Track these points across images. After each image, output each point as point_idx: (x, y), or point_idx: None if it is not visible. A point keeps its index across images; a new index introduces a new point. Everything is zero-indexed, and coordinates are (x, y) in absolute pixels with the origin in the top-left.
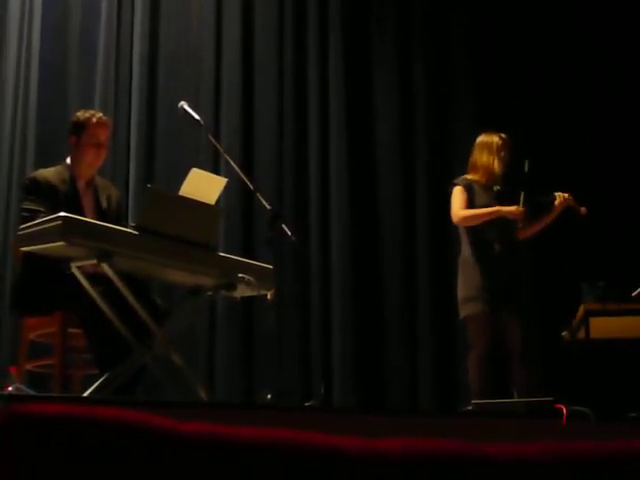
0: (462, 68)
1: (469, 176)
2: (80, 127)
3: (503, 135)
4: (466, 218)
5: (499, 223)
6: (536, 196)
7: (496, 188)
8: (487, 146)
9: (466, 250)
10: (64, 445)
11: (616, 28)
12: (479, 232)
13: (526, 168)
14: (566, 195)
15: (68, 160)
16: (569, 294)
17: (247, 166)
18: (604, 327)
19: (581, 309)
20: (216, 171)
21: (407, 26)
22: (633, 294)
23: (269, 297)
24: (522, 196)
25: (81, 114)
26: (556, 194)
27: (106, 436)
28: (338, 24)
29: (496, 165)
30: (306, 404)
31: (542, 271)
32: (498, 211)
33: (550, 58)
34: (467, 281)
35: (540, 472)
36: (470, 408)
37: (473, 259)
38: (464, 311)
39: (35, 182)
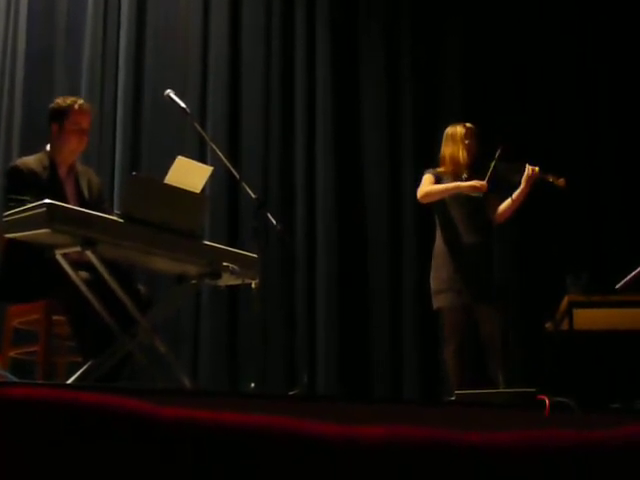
0: (450, 62)
1: (439, 169)
2: (61, 114)
3: (468, 124)
4: (427, 193)
5: (470, 212)
6: (505, 173)
7: (464, 177)
8: (452, 137)
9: (438, 241)
10: (46, 429)
11: (605, 18)
12: (449, 221)
13: (497, 154)
14: (534, 168)
15: (48, 147)
16: (553, 285)
17: (233, 155)
18: (588, 319)
19: (565, 300)
20: (202, 159)
21: (396, 19)
22: (617, 286)
23: (254, 286)
24: (489, 170)
25: (62, 100)
26: (526, 167)
27: (87, 420)
28: (326, 15)
29: (461, 154)
30: (290, 393)
31: (526, 262)
32: (457, 186)
33: (538, 52)
34: (438, 272)
35: (522, 459)
36: (453, 399)
37: (444, 250)
38: (436, 303)
39: (18, 170)
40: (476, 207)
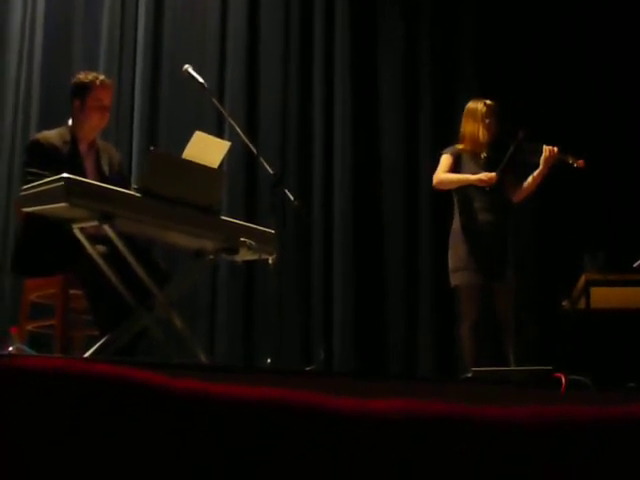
0: (465, 43)
1: (459, 146)
2: (83, 90)
3: (488, 102)
4: (440, 181)
5: (487, 192)
6: (524, 155)
7: (483, 155)
8: (472, 114)
9: (456, 220)
10: (61, 399)
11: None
12: (467, 201)
13: (520, 137)
14: (553, 148)
15: (70, 122)
16: (570, 264)
17: (251, 130)
18: (605, 297)
19: (582, 279)
20: (220, 135)
21: (414, 3)
22: (634, 265)
23: (271, 262)
24: (507, 155)
25: (83, 76)
26: (545, 148)
27: (101, 391)
28: None
29: (481, 133)
30: (306, 368)
31: (544, 241)
32: (467, 179)
33: (550, 32)
34: (455, 251)
35: (537, 434)
36: (469, 375)
37: (461, 229)
38: (453, 281)
39: (38, 144)
40: (493, 187)
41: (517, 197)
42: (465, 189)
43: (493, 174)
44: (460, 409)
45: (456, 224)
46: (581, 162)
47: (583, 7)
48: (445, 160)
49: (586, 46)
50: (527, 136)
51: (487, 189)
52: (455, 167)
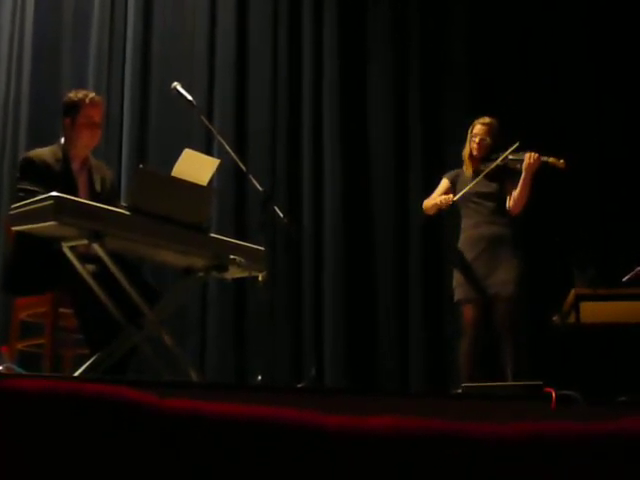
0: (456, 37)
1: (461, 169)
2: (73, 108)
3: (483, 119)
4: (424, 208)
5: (486, 206)
6: (511, 163)
7: (481, 169)
8: (468, 135)
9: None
10: (51, 419)
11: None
12: (464, 219)
13: (511, 149)
14: (534, 155)
15: (62, 140)
16: (560, 278)
17: (240, 148)
18: (595, 312)
19: (572, 293)
20: (209, 152)
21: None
22: (624, 279)
23: (260, 279)
24: (491, 165)
25: (73, 95)
26: (525, 155)
27: (90, 411)
28: (334, 2)
29: (467, 151)
30: (297, 385)
31: (533, 255)
32: (434, 205)
33: (544, 28)
34: (455, 267)
35: (527, 452)
36: (460, 391)
37: (460, 245)
38: (455, 296)
39: (31, 162)
40: (489, 200)
41: (512, 208)
42: (464, 204)
43: (449, 196)
44: (452, 426)
45: (460, 240)
46: (562, 162)
47: (577, 5)
48: (440, 184)
49: (580, 45)
50: (520, 147)
51: (492, 190)
52: (452, 189)
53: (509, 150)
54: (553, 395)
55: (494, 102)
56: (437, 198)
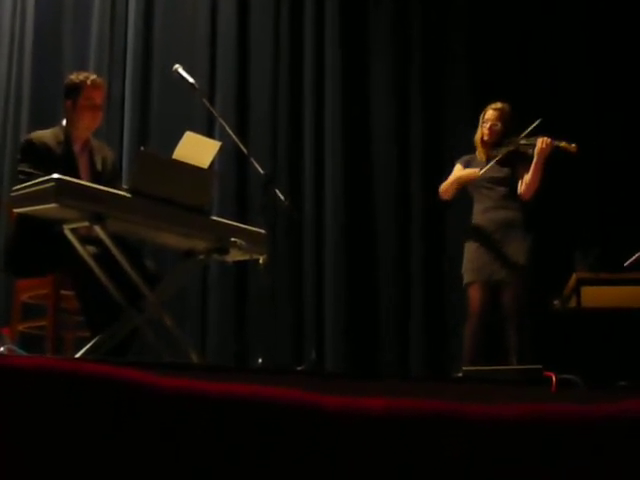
0: (456, 27)
1: (474, 154)
2: (75, 90)
3: (495, 104)
4: (441, 191)
5: (497, 190)
6: (520, 147)
7: (493, 157)
8: (480, 119)
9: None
10: (48, 397)
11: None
12: (476, 204)
13: (533, 125)
14: (546, 139)
15: (64, 122)
16: (561, 262)
17: (241, 131)
18: (596, 296)
19: (573, 278)
20: (210, 135)
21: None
22: (625, 264)
23: (261, 262)
24: (504, 150)
25: (75, 77)
26: (537, 140)
27: (90, 390)
28: None
29: (478, 137)
30: (297, 368)
31: (534, 238)
32: (458, 178)
33: (545, 17)
34: (466, 251)
35: (525, 432)
36: (460, 375)
37: (470, 230)
38: (464, 279)
39: (32, 144)
40: (501, 185)
41: (524, 192)
42: (475, 189)
43: (475, 170)
44: (451, 407)
45: (470, 224)
46: (574, 146)
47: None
48: (455, 170)
49: (582, 36)
50: (533, 131)
51: (504, 174)
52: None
53: (531, 127)
54: (553, 379)
55: (495, 91)
56: (462, 171)
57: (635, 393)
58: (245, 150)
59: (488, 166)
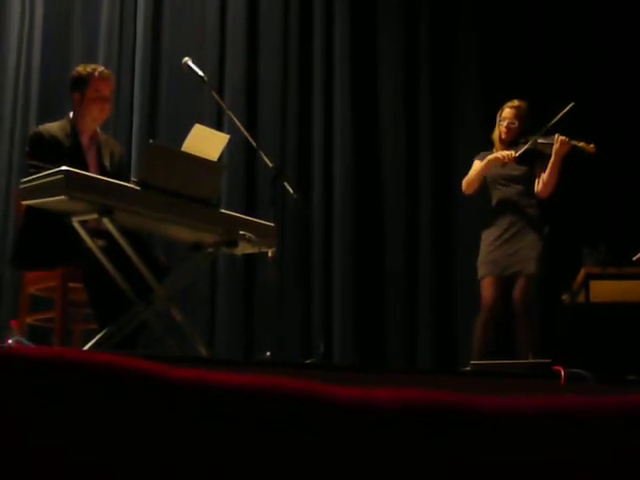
0: (468, 39)
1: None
2: (82, 82)
3: (511, 103)
4: (466, 183)
5: (507, 190)
6: (538, 145)
7: (522, 144)
8: (497, 117)
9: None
10: (56, 388)
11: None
12: (493, 199)
13: (567, 109)
14: (563, 139)
15: (71, 114)
16: (570, 257)
17: (250, 124)
18: (604, 291)
19: (582, 272)
20: (219, 128)
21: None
22: (634, 258)
23: (270, 254)
24: (526, 145)
25: (82, 69)
26: (556, 138)
27: (98, 380)
28: None
29: (496, 134)
30: (306, 361)
31: (543, 234)
32: (487, 161)
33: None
34: (482, 245)
35: (535, 424)
36: (468, 369)
37: (487, 225)
38: (478, 273)
39: (40, 137)
40: (518, 183)
41: (541, 191)
42: (492, 185)
43: (509, 152)
44: (462, 399)
45: (487, 220)
46: (592, 147)
47: None
48: (474, 166)
49: (596, 34)
50: (551, 128)
51: (520, 173)
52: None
53: (564, 110)
54: (562, 373)
55: (505, 88)
56: (497, 153)
57: None
58: (254, 143)
59: (523, 149)
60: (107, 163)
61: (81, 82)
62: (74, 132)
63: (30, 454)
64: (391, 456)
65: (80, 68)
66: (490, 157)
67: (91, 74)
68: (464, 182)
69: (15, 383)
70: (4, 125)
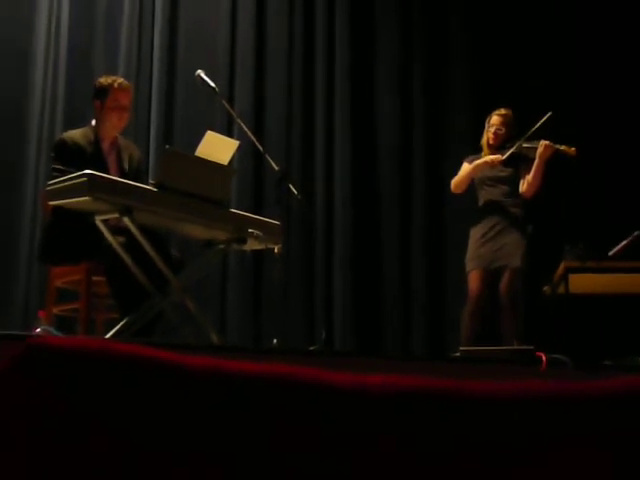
0: (459, 44)
1: (479, 155)
2: (103, 92)
3: (499, 111)
4: (454, 184)
5: (500, 188)
6: (523, 149)
7: (509, 148)
8: (486, 124)
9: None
10: (78, 376)
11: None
12: (480, 199)
13: (543, 119)
14: (546, 143)
15: (93, 122)
16: (552, 253)
17: (258, 131)
18: (582, 283)
19: (561, 266)
20: (229, 135)
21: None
22: (610, 253)
23: (276, 251)
24: (512, 149)
25: (104, 79)
26: (539, 143)
27: (117, 368)
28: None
29: (484, 140)
30: (309, 348)
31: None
32: (476, 165)
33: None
34: (470, 242)
35: (520, 407)
36: (458, 354)
37: (475, 223)
38: (466, 267)
39: (64, 143)
40: (503, 184)
41: (526, 191)
42: (480, 185)
43: (497, 156)
44: (452, 384)
45: (475, 219)
46: (573, 150)
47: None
48: (462, 168)
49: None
50: (532, 135)
51: (506, 174)
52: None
53: (543, 119)
54: (544, 358)
55: (496, 92)
56: (485, 157)
57: (619, 372)
58: (261, 148)
59: (509, 152)
60: (126, 166)
61: (102, 92)
62: (96, 138)
63: (57, 439)
64: (384, 441)
65: (102, 79)
66: (479, 161)
67: (111, 85)
68: (453, 183)
69: (43, 369)
70: (32, 131)
